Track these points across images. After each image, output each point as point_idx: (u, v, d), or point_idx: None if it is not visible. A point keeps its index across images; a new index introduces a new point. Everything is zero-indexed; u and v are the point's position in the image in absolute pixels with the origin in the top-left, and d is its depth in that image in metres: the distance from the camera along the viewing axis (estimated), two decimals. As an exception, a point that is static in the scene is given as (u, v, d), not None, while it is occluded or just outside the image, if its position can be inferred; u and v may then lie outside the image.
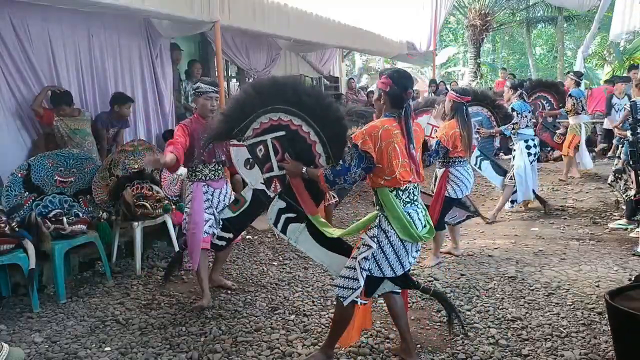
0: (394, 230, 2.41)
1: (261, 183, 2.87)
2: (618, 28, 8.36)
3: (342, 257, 2.66)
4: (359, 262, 2.45)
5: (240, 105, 2.73)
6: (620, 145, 5.08)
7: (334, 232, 2.68)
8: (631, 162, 4.34)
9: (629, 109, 4.83)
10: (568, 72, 7.79)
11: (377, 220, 2.48)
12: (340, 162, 2.47)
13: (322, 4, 7.37)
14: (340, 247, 2.72)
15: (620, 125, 5.09)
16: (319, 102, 2.63)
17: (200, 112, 3.43)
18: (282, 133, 2.69)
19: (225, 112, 2.80)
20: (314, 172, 2.57)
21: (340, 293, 2.49)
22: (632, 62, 12.33)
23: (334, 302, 2.69)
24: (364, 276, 2.44)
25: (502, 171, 5.68)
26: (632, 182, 4.61)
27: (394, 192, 2.43)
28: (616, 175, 4.98)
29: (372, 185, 2.51)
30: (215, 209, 3.44)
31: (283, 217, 2.72)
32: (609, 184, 5.32)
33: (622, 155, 4.91)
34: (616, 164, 5.04)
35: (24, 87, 4.37)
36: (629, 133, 4.80)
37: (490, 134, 5.27)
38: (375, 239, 2.44)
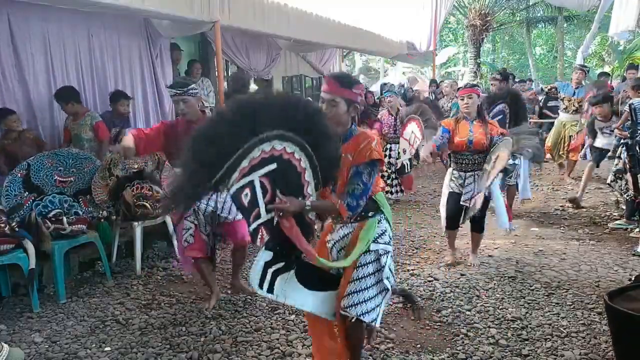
0: (390, 225, 2.37)
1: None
2: (616, 26, 8.34)
3: (332, 292, 2.33)
4: (382, 274, 2.27)
5: (219, 140, 1.87)
6: (621, 146, 5.06)
7: (336, 264, 2.31)
8: (629, 166, 4.34)
9: (628, 110, 4.83)
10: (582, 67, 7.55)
11: (380, 225, 2.31)
12: (360, 185, 2.15)
13: (322, 4, 7.37)
14: (331, 279, 2.35)
15: (621, 126, 5.07)
16: (315, 120, 2.09)
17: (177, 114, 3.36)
18: (273, 167, 2.03)
19: (193, 157, 1.86)
20: (323, 205, 2.21)
21: (368, 319, 2.24)
22: (631, 62, 12.34)
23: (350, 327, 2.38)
24: (390, 281, 2.30)
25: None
26: (631, 184, 4.63)
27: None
28: (616, 175, 4.97)
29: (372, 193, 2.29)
30: (203, 214, 3.31)
31: (269, 272, 2.18)
32: (608, 184, 5.32)
33: (622, 155, 4.91)
34: (616, 164, 5.03)
35: (23, 87, 4.37)
36: (627, 133, 4.81)
37: None
38: (390, 244, 2.33)
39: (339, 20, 7.71)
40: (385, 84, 11.39)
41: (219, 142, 1.86)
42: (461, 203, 3.96)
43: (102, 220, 4.27)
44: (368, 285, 2.25)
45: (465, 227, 4.32)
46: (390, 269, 2.32)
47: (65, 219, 3.83)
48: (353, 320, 2.25)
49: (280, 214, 2.06)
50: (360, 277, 2.26)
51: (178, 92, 3.14)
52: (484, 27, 16.83)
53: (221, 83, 5.51)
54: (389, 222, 2.36)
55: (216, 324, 3.19)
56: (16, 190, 3.85)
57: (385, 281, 2.27)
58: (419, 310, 2.76)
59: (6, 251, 3.40)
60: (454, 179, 4.04)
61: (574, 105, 6.92)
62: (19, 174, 3.89)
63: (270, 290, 2.18)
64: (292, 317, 3.29)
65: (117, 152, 3.10)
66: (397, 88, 11.81)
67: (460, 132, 3.93)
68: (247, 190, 2.01)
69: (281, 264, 2.20)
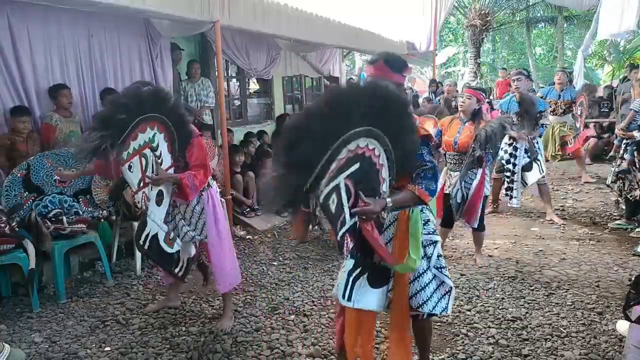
0: (433, 215, 2.28)
1: (162, 229, 2.66)
2: (612, 28, 8.32)
3: (386, 286, 2.24)
4: (435, 267, 2.22)
5: (310, 139, 1.66)
6: (624, 146, 5.05)
7: (412, 262, 2.15)
8: (638, 164, 4.31)
9: (636, 110, 4.81)
10: (564, 69, 7.58)
11: (422, 215, 2.18)
12: (430, 165, 2.03)
13: (322, 4, 7.36)
14: (387, 274, 2.21)
15: (626, 126, 5.03)
16: (401, 112, 1.90)
17: None
18: (356, 166, 1.82)
19: (285, 160, 1.70)
20: (403, 198, 2.03)
21: (438, 311, 2.21)
22: (631, 62, 12.33)
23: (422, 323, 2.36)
24: (447, 275, 2.26)
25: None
26: (638, 183, 4.59)
27: None
28: (619, 175, 4.93)
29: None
30: (182, 238, 3.13)
31: (350, 280, 2.09)
32: (608, 185, 5.31)
33: (626, 156, 4.88)
34: (619, 165, 5.00)
35: (23, 87, 4.36)
36: (636, 133, 4.79)
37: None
38: (433, 232, 2.24)
39: (339, 20, 7.70)
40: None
41: (313, 142, 1.67)
42: (450, 201, 4.01)
43: (102, 220, 4.27)
44: (427, 282, 2.20)
45: (465, 227, 4.33)
46: (440, 258, 2.25)
47: (65, 219, 3.83)
48: (424, 317, 2.27)
49: (363, 217, 1.88)
50: (417, 275, 2.19)
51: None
52: (484, 27, 16.83)
53: (221, 83, 5.51)
54: (431, 212, 2.26)
55: (216, 324, 3.19)
56: (16, 190, 3.85)
57: (435, 271, 2.21)
58: None
59: (6, 251, 3.40)
60: (448, 178, 4.11)
61: (561, 108, 6.82)
62: (19, 174, 3.89)
63: (350, 298, 2.12)
64: (292, 317, 3.29)
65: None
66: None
67: (449, 131, 4.00)
68: (334, 196, 1.78)
69: (359, 270, 2.13)
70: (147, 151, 2.88)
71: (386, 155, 1.92)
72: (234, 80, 8.52)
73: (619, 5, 7.95)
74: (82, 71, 4.89)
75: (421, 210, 2.18)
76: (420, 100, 10.84)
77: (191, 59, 6.58)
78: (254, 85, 9.56)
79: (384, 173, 1.95)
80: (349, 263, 2.08)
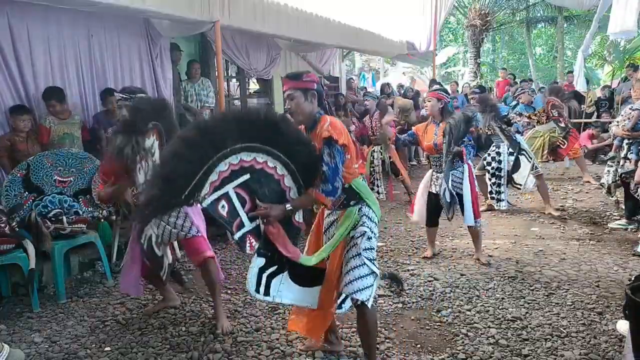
0: (374, 212, 2.46)
1: (154, 231, 2.71)
2: (616, 27, 8.32)
3: (319, 287, 2.50)
4: (364, 256, 2.35)
5: (184, 157, 2.01)
6: (626, 145, 5.02)
7: (319, 257, 2.43)
8: None
9: None
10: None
11: (359, 212, 2.42)
12: (325, 168, 2.23)
13: (322, 4, 7.37)
14: (319, 274, 2.48)
15: (631, 128, 4.99)
16: (280, 127, 2.21)
17: None
18: (246, 177, 2.19)
19: (163, 173, 2.03)
20: (302, 201, 2.31)
21: (360, 297, 2.33)
22: (631, 62, 12.33)
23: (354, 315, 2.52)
24: (376, 265, 2.40)
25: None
26: None
27: (359, 178, 2.48)
28: (623, 176, 4.89)
29: (345, 181, 2.37)
30: (162, 233, 3.10)
31: (264, 276, 2.31)
32: (601, 184, 5.34)
33: (631, 156, 4.85)
34: (622, 165, 4.96)
35: (23, 87, 4.37)
36: None
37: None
38: (368, 227, 2.40)
39: (339, 20, 7.71)
40: (387, 84, 11.42)
41: (188, 159, 2.01)
42: (440, 201, 4.09)
43: (102, 220, 4.27)
44: (354, 266, 2.36)
45: (465, 227, 4.33)
46: (370, 250, 2.40)
47: (65, 219, 3.83)
48: (357, 303, 2.37)
49: (265, 220, 2.23)
50: (346, 261, 2.40)
51: (124, 97, 3.15)
52: (484, 27, 16.83)
53: (221, 83, 5.51)
54: (371, 208, 2.45)
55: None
56: (16, 190, 3.86)
57: (367, 262, 2.36)
58: (402, 289, 2.83)
59: (6, 251, 3.41)
60: (433, 179, 4.21)
61: (542, 117, 6.78)
62: (19, 174, 3.89)
63: (267, 293, 2.33)
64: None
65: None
66: (396, 88, 11.86)
67: (427, 136, 4.11)
68: (223, 202, 2.16)
69: (274, 268, 2.34)
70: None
71: (284, 166, 2.25)
72: (234, 80, 8.53)
73: (621, 4, 7.95)
74: (82, 71, 4.89)
75: (359, 209, 2.42)
76: (420, 100, 10.84)
77: (191, 59, 6.58)
78: (254, 85, 9.56)
79: (287, 182, 2.28)
80: (258, 261, 2.29)
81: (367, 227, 2.41)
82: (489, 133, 5.54)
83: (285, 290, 2.39)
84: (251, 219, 2.25)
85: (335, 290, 2.52)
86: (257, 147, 2.18)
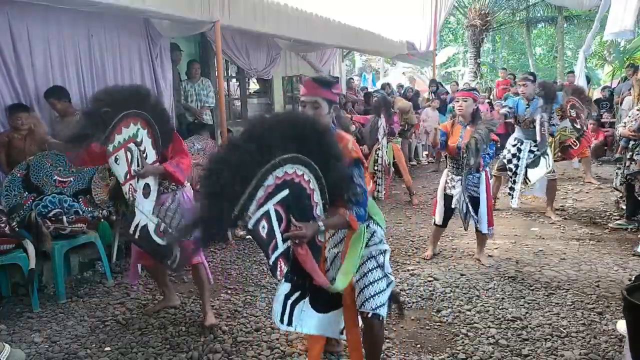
0: (381, 227, 2.36)
1: (152, 220, 2.69)
2: (614, 27, 8.31)
3: (338, 310, 2.35)
4: (386, 271, 2.28)
5: (234, 171, 1.68)
6: (632, 146, 4.98)
7: (346, 280, 2.19)
8: None
9: None
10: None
11: (368, 229, 2.28)
12: (358, 190, 2.07)
13: (322, 4, 7.37)
14: (336, 297, 2.29)
15: (637, 129, 4.95)
16: (325, 138, 1.97)
17: None
18: (285, 192, 1.89)
19: (210, 190, 1.67)
20: (334, 222, 2.09)
21: (382, 312, 2.23)
22: (631, 62, 12.33)
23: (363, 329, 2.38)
24: (391, 280, 2.32)
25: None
26: None
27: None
28: (629, 177, 4.85)
29: None
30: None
31: (288, 304, 2.10)
32: (615, 188, 5.30)
33: (636, 157, 4.82)
34: (628, 166, 4.93)
35: (23, 87, 4.36)
36: None
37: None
38: (381, 242, 2.32)
39: (339, 20, 7.71)
40: (387, 84, 11.42)
41: (238, 173, 1.69)
42: (452, 206, 4.07)
43: (102, 220, 4.27)
44: (373, 280, 2.24)
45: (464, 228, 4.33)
46: (388, 266, 2.34)
47: (65, 219, 3.83)
48: (369, 315, 2.23)
49: (296, 241, 1.95)
50: (363, 274, 2.25)
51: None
52: (484, 27, 16.84)
53: (221, 83, 5.51)
54: (378, 224, 2.33)
55: (216, 324, 3.19)
56: (16, 190, 3.86)
57: (389, 274, 2.30)
58: (402, 309, 2.77)
59: (6, 251, 3.41)
60: (448, 180, 4.14)
61: (557, 115, 6.75)
62: (19, 174, 3.89)
63: (290, 322, 2.13)
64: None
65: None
66: (396, 88, 11.86)
67: (453, 136, 3.99)
68: (263, 222, 1.84)
69: (298, 293, 2.14)
70: (132, 145, 2.95)
71: (316, 180, 1.99)
72: (234, 80, 8.53)
73: (621, 4, 7.94)
74: (82, 71, 4.89)
75: (367, 226, 2.25)
76: (420, 100, 10.84)
77: (191, 59, 6.59)
78: (254, 85, 9.56)
79: (316, 197, 2.03)
80: (284, 287, 2.06)
81: (382, 242, 2.32)
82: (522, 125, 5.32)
83: (307, 319, 2.18)
84: (284, 240, 1.94)
85: (355, 309, 2.32)
86: (299, 159, 1.91)
